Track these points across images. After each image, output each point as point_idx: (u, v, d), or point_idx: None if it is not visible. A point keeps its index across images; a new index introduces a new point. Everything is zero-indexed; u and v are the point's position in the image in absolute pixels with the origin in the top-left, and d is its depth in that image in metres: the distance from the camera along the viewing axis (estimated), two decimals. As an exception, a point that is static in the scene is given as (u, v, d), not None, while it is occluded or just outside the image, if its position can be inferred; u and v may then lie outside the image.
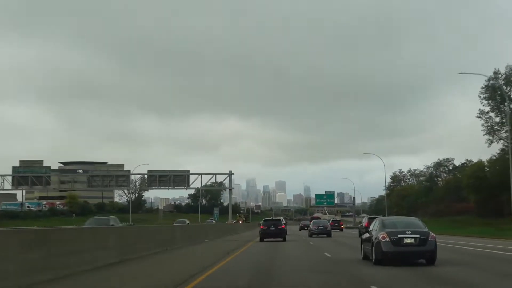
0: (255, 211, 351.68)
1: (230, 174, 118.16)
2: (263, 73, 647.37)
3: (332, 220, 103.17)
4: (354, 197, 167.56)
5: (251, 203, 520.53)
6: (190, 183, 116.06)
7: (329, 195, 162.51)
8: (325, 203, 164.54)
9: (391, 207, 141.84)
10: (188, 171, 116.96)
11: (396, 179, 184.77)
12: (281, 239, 53.55)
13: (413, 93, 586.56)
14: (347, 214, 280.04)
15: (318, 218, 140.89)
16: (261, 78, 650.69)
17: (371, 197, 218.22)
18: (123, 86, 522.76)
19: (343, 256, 31.33)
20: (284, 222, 58.42)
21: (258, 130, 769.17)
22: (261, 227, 54.91)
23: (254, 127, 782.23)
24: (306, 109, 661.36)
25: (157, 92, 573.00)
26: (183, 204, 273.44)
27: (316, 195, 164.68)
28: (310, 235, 65.92)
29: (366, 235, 27.51)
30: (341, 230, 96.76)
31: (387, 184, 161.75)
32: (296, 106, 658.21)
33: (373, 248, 25.06)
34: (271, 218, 61.30)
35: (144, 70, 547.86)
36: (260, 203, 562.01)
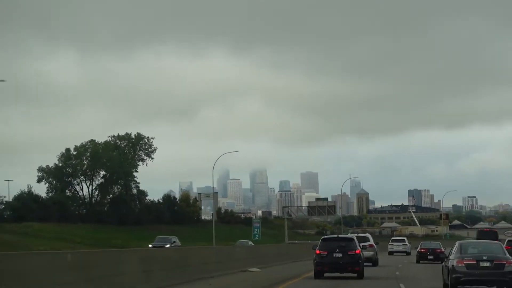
0: (248, 216, 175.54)
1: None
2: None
3: (508, 241, 58.01)
4: None
5: (259, 211, 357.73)
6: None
7: None
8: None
9: None
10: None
11: None
12: (355, 275, 36.63)
13: None
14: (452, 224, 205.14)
15: (492, 231, 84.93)
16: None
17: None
18: None
19: None
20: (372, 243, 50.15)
21: (268, 74, 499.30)
22: (317, 252, 36.52)
23: (261, 69, 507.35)
24: (363, 27, 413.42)
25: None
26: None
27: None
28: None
29: None
30: None
31: None
32: (342, 21, 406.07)
33: None
34: (335, 235, 44.63)
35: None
36: (274, 211, 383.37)
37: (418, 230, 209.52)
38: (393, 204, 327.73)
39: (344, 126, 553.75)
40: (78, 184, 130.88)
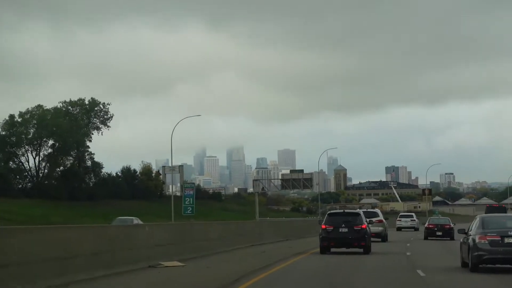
0: (217, 191, 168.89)
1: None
2: None
3: None
4: None
5: (235, 188, 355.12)
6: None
7: None
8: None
9: None
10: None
11: None
12: (361, 251, 36.41)
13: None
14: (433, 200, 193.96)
15: (501, 206, 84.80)
16: None
17: None
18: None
19: None
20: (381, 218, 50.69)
21: (245, 50, 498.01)
22: (323, 226, 36.62)
23: (238, 44, 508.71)
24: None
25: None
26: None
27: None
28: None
29: None
30: None
31: None
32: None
33: None
34: (341, 210, 43.58)
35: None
36: (251, 189, 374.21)
37: (399, 206, 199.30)
38: (371, 180, 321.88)
39: (322, 103, 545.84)
40: (23, 155, 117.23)
